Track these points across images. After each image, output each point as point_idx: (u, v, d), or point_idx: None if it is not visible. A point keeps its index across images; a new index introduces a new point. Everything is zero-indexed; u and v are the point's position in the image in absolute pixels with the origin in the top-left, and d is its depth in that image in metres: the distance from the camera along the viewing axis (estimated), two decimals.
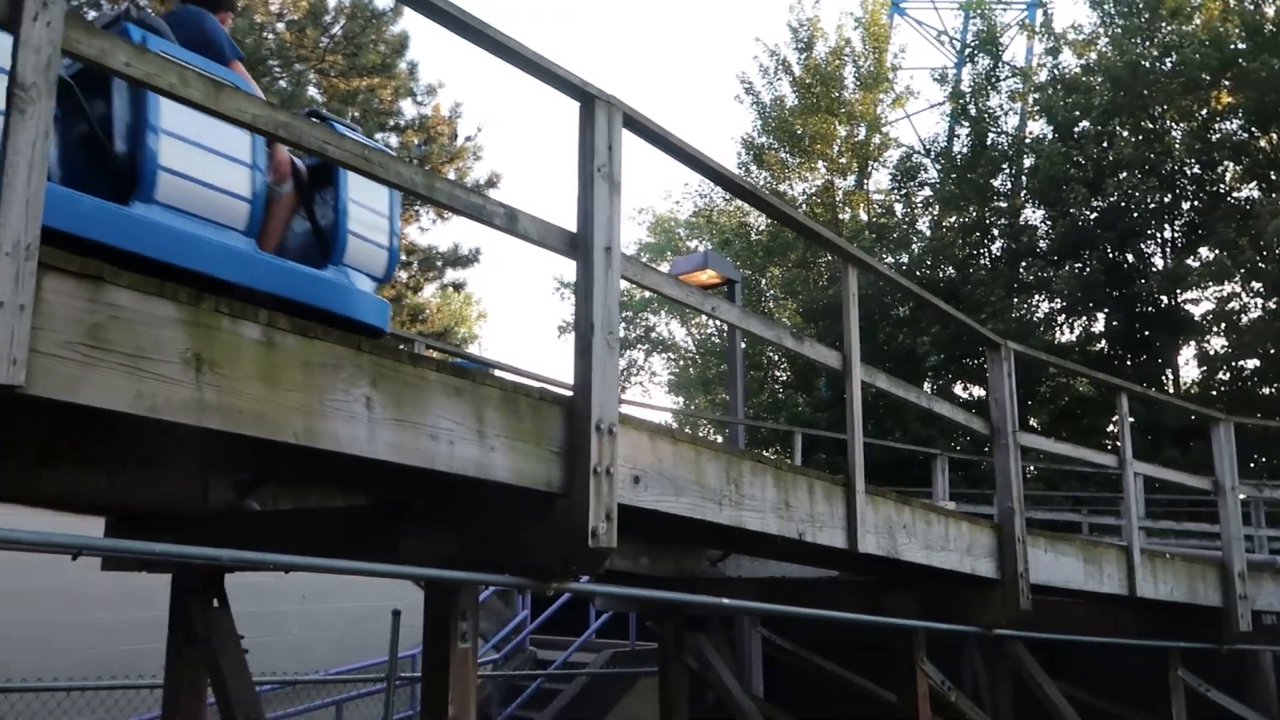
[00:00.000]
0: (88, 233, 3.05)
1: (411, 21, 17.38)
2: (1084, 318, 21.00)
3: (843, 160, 25.63)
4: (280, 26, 16.41)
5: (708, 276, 11.37)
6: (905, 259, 22.77)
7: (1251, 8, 19.34)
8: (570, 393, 3.45)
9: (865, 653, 8.36)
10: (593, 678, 10.19)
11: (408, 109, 18.30)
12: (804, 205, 25.41)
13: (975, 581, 5.95)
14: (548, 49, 3.33)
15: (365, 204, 4.02)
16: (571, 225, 3.51)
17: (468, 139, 20.19)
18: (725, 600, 4.69)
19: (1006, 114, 23.34)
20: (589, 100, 3.50)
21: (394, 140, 17.84)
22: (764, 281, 26.41)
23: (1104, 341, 20.81)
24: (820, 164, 25.70)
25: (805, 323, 23.22)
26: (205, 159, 3.45)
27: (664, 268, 21.72)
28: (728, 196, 26.22)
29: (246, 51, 14.34)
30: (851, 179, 26.07)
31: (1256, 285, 18.94)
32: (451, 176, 17.26)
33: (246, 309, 2.62)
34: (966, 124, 23.15)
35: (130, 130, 3.36)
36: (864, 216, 25.14)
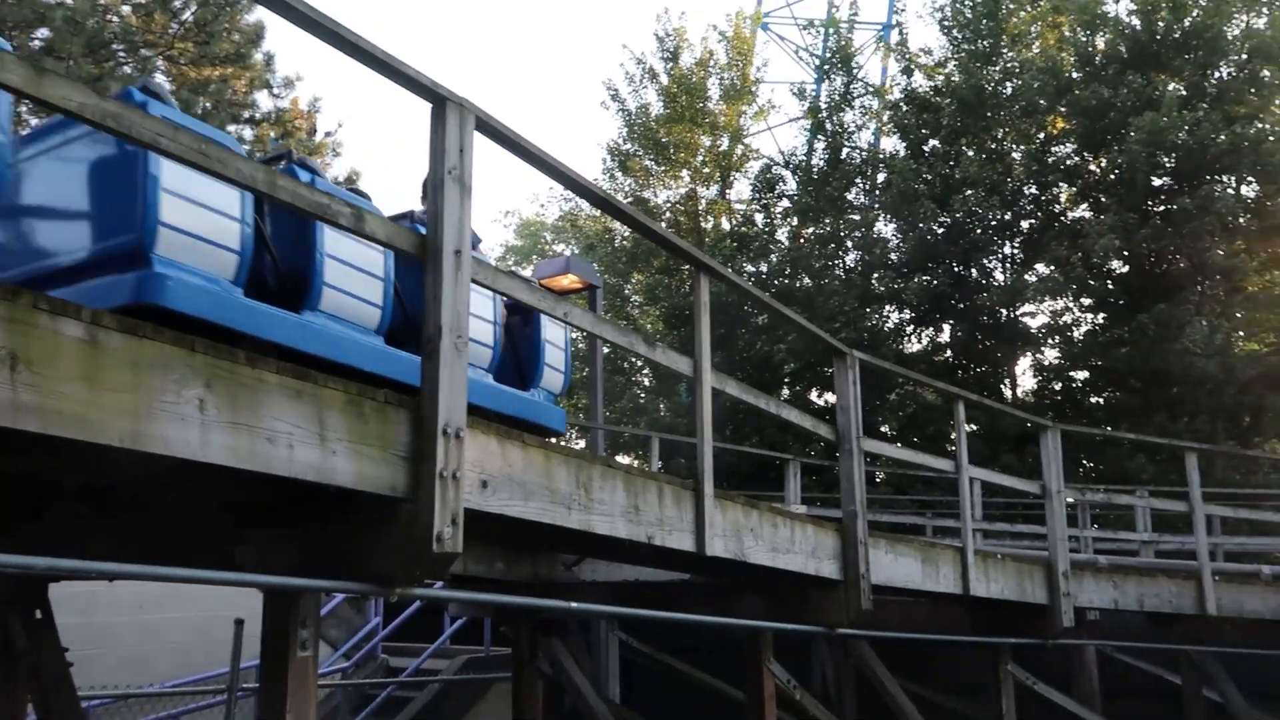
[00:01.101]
0: None
1: (269, 13, 16.86)
2: (931, 328, 21.89)
3: (706, 169, 26.05)
4: (126, 9, 15.66)
5: (569, 281, 11.37)
6: (765, 268, 23.29)
7: (1084, 39, 20.56)
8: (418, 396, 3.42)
9: (719, 653, 8.53)
10: (445, 685, 10.06)
11: (264, 101, 17.74)
12: (668, 213, 25.72)
13: (820, 582, 6.15)
14: (414, 54, 3.30)
15: (553, 341, 5.23)
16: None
17: (327, 134, 19.72)
18: (575, 604, 4.70)
19: (861, 130, 24.18)
20: (440, 102, 3.48)
21: (248, 133, 17.24)
22: (628, 287, 26.62)
23: (949, 351, 21.73)
24: (684, 172, 26.06)
25: (667, 329, 23.50)
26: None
27: (528, 271, 21.66)
28: None
29: (89, 35, 13.64)
30: (714, 188, 26.52)
31: (1086, 301, 20.11)
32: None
33: (68, 305, 2.50)
34: (824, 138, 23.86)
35: None
36: (726, 225, 25.61)
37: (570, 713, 10.76)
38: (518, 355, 5.14)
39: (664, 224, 24.61)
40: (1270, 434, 18.37)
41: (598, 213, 28.19)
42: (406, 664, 10.35)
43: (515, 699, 7.69)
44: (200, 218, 3.42)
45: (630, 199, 25.36)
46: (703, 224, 25.67)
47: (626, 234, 25.53)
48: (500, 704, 10.14)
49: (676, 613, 5.61)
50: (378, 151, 79.21)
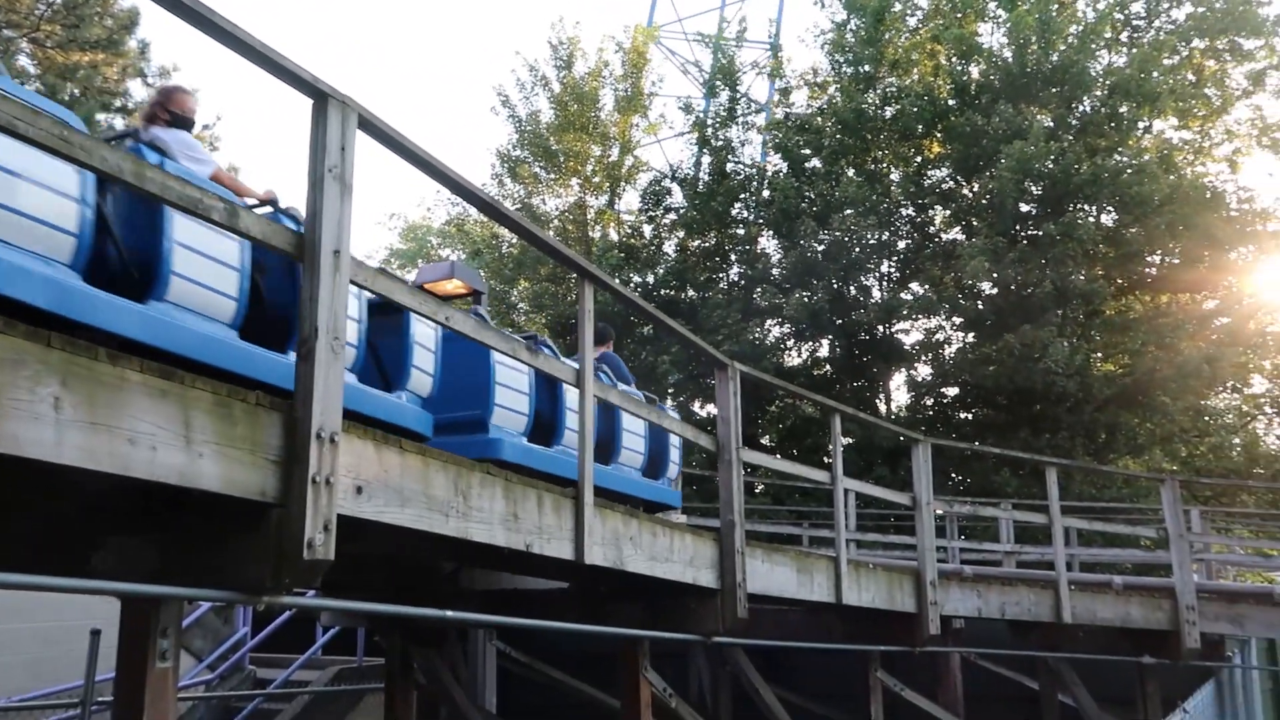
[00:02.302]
0: None
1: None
2: (811, 343, 22.40)
3: (596, 179, 26.12)
4: None
5: (454, 286, 11.21)
6: (651, 279, 23.48)
7: (960, 68, 21.40)
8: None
9: (598, 663, 8.52)
10: (315, 696, 9.79)
11: (137, 90, 17.05)
12: (556, 221, 25.69)
13: (697, 591, 6.21)
14: (301, 51, 3.22)
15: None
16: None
17: (205, 127, 19.08)
18: (450, 613, 4.64)
19: (745, 146, 24.63)
20: (322, 99, 3.41)
21: (119, 122, 16.54)
22: (514, 294, 26.45)
23: (828, 366, 22.27)
24: (574, 181, 26.07)
25: (553, 337, 23.44)
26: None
27: (412, 275, 21.34)
28: None
29: None
30: (603, 198, 26.61)
31: (957, 320, 20.89)
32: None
33: None
34: (710, 154, 24.21)
35: None
36: (614, 236, 25.72)
37: None
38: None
39: (552, 232, 24.57)
40: (1123, 450, 19.38)
41: (485, 218, 27.99)
42: (275, 675, 10.03)
43: (388, 710, 7.55)
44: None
45: (519, 206, 25.24)
46: (591, 233, 25.72)
47: (514, 241, 25.40)
48: (373, 716, 9.92)
49: (555, 621, 5.59)
50: (258, 148, 76.95)
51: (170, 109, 4.86)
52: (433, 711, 10.03)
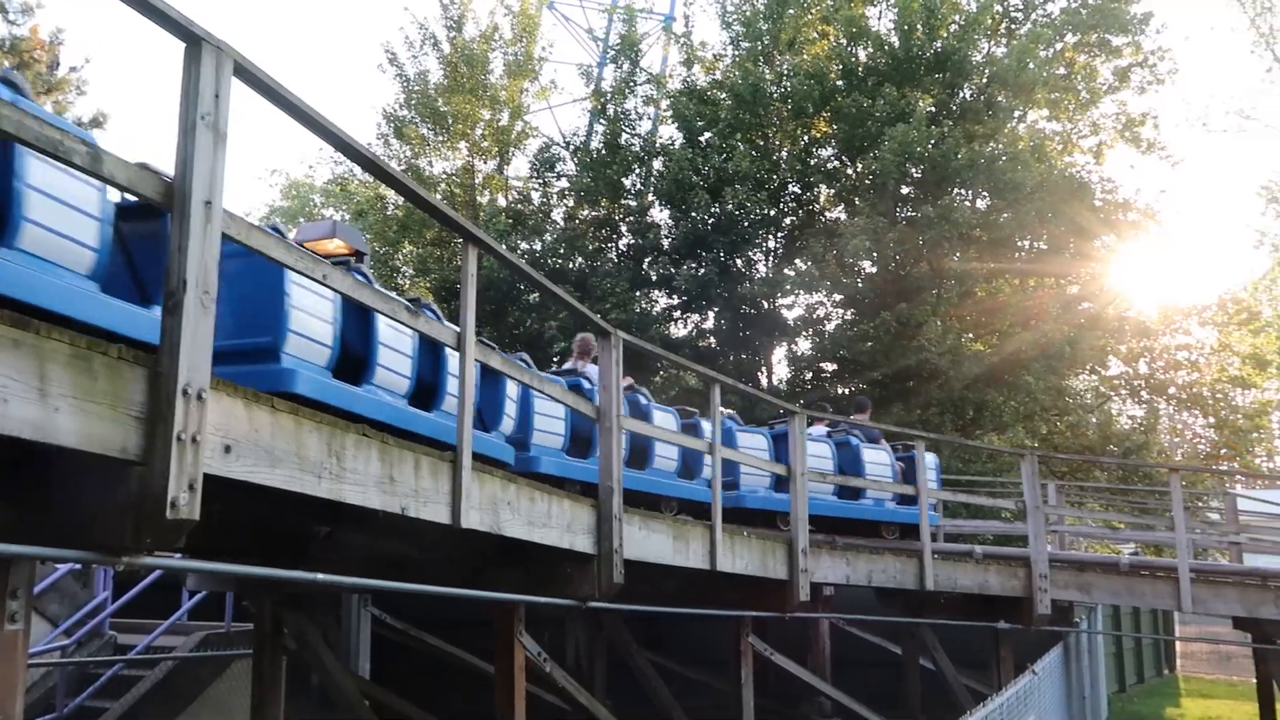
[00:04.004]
0: None
1: None
2: (698, 314, 22.65)
3: (485, 144, 25.74)
4: None
5: (335, 246, 10.92)
6: (539, 246, 23.34)
7: (849, 50, 21.80)
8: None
9: (476, 629, 8.52)
10: (179, 662, 9.52)
11: None
12: (443, 184, 25.25)
13: (574, 556, 6.26)
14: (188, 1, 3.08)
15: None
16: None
17: (72, 70, 18.10)
18: (321, 576, 4.57)
19: (641, 117, 24.61)
20: (195, 42, 3.28)
21: None
22: (398, 257, 25.93)
23: (713, 338, 22.56)
24: (462, 145, 25.64)
25: (438, 302, 23.07)
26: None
27: (293, 233, 20.72)
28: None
29: None
30: (492, 163, 26.26)
31: (838, 297, 21.41)
32: (49, 110, 15.32)
33: None
34: (604, 123, 24.12)
35: None
36: (502, 201, 25.44)
37: (317, 691, 10.46)
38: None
39: (439, 195, 24.14)
40: (989, 426, 20.22)
41: (370, 179, 27.32)
42: (137, 641, 9.71)
43: (256, 677, 7.39)
44: None
45: (404, 167, 24.71)
46: (479, 198, 25.37)
47: (399, 203, 24.89)
48: (239, 682, 9.71)
49: (428, 585, 5.56)
50: (128, 95, 73.37)
51: None
52: (303, 678, 9.89)
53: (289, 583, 6.70)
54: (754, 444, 10.44)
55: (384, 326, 5.66)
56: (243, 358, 4.90)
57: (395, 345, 5.77)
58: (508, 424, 7.05)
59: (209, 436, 3.33)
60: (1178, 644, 26.43)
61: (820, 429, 11.66)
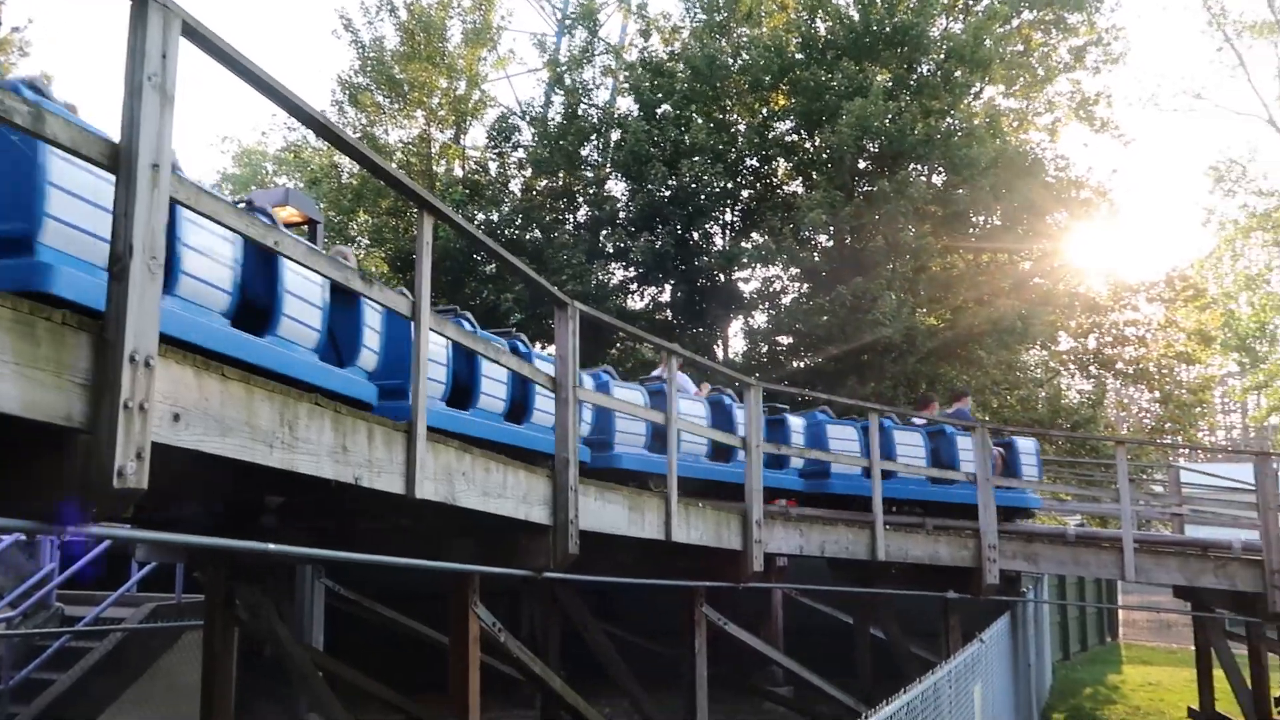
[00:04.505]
0: None
1: None
2: (654, 287, 22.65)
3: (441, 112, 25.44)
4: None
5: (288, 214, 10.84)
6: (496, 217, 23.16)
7: (807, 23, 21.79)
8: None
9: (431, 600, 8.49)
10: (128, 634, 9.41)
11: None
12: (399, 153, 24.95)
13: (530, 527, 6.26)
14: None
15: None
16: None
17: (15, 30, 17.61)
18: (273, 546, 4.53)
19: (599, 87, 24.47)
20: (142, 1, 3.19)
21: None
22: (353, 227, 25.62)
23: (669, 310, 22.58)
24: (419, 113, 25.33)
25: (393, 273, 22.88)
26: None
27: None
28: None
29: None
30: (449, 133, 25.97)
31: (794, 270, 21.50)
32: None
33: None
34: (561, 93, 23.93)
35: None
36: (459, 171, 25.20)
37: (270, 663, 10.39)
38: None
39: (394, 164, 23.85)
40: (941, 399, 20.46)
41: (324, 146, 26.90)
42: (86, 613, 9.58)
43: (207, 648, 7.34)
44: None
45: (359, 135, 24.37)
46: (435, 168, 25.11)
47: (354, 171, 24.57)
48: (190, 654, 9.63)
49: (382, 556, 5.54)
50: (73, 57, 71.45)
51: None
52: (256, 650, 9.82)
53: (240, 553, 6.64)
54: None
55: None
56: None
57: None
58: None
59: (157, 405, 3.27)
60: (1120, 613, 27.13)
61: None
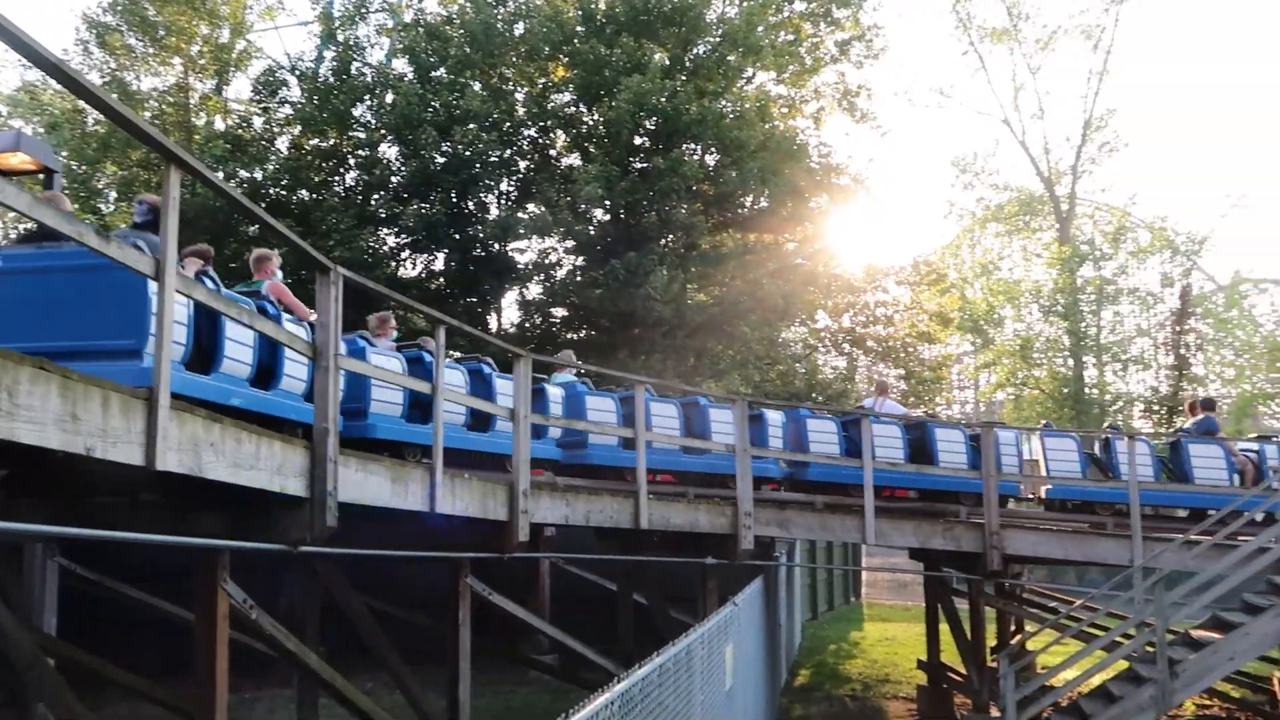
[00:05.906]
0: None
1: None
2: (427, 255, 22.23)
3: (202, 61, 23.88)
4: None
5: (19, 161, 9.87)
6: (260, 175, 22.01)
7: None
8: None
9: (179, 578, 8.06)
10: None
11: None
12: (154, 102, 23.25)
13: (285, 500, 6.05)
14: None
15: None
16: None
17: None
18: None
19: (373, 46, 23.64)
20: None
21: None
22: (101, 179, 23.67)
23: (443, 279, 22.24)
24: (176, 60, 23.66)
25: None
26: None
27: None
28: None
29: None
30: (210, 83, 24.42)
31: (570, 243, 21.67)
32: None
33: None
34: (334, 49, 22.97)
35: None
36: (220, 125, 23.76)
37: None
38: None
39: (148, 115, 22.21)
40: (707, 374, 21.27)
41: (67, 90, 24.66)
42: None
43: None
44: None
45: (107, 80, 22.51)
46: (194, 120, 23.57)
47: (101, 119, 22.68)
48: None
49: (121, 532, 5.22)
50: None
51: None
52: None
53: None
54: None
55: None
56: None
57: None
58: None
59: None
60: (863, 574, 29.21)
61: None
